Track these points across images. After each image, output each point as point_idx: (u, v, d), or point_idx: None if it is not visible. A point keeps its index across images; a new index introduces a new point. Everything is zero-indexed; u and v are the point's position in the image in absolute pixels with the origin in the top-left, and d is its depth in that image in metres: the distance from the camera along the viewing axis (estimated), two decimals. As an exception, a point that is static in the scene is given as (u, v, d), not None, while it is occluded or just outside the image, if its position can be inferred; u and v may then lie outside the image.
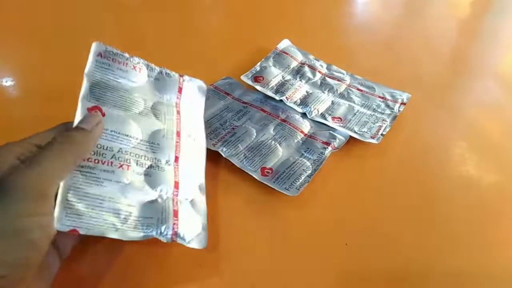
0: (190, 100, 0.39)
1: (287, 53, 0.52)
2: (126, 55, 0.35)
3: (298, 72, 0.50)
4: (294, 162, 0.39)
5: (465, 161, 0.43)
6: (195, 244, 0.32)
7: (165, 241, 0.30)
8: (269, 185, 0.37)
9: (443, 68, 0.58)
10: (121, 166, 0.31)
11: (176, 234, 0.31)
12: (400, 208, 0.38)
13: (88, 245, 0.32)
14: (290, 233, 0.35)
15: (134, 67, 0.35)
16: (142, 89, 0.36)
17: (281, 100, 0.46)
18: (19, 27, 0.57)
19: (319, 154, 0.40)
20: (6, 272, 0.21)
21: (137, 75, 0.36)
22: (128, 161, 0.32)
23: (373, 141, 0.42)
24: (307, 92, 0.47)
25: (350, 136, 0.43)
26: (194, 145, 0.37)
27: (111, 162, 0.31)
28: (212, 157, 0.39)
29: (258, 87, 0.47)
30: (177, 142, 0.35)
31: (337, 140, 0.42)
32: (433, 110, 0.49)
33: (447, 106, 0.50)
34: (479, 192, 0.40)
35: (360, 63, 0.55)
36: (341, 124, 0.44)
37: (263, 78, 0.48)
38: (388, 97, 0.48)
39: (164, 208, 0.32)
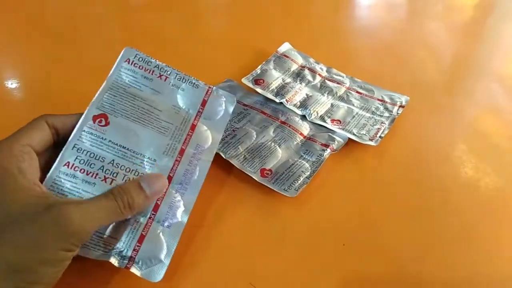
0: (212, 115, 0.36)
1: (287, 56, 0.53)
2: (156, 62, 0.35)
3: (298, 75, 0.51)
4: (293, 164, 0.40)
5: (463, 163, 0.43)
6: (147, 276, 0.29)
7: (117, 266, 0.29)
8: (268, 186, 0.38)
9: (443, 71, 0.58)
10: (105, 179, 0.30)
11: (133, 261, 0.29)
12: (397, 209, 0.38)
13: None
14: (288, 234, 0.35)
15: (160, 76, 0.35)
16: (161, 100, 0.34)
17: (281, 103, 0.46)
18: (23, 28, 0.58)
19: (318, 156, 0.41)
20: None
21: (161, 85, 0.35)
22: (115, 175, 0.30)
23: (372, 143, 0.42)
24: (307, 94, 0.48)
25: (349, 139, 0.43)
26: (194, 167, 0.34)
27: (96, 174, 0.30)
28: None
29: (258, 90, 0.47)
30: (176, 160, 0.33)
31: (336, 142, 0.42)
32: (432, 112, 0.49)
33: (446, 109, 0.50)
34: (478, 194, 0.40)
35: (360, 66, 0.56)
36: (340, 127, 0.44)
37: (263, 81, 0.48)
38: (387, 99, 0.49)
39: (132, 230, 0.30)
